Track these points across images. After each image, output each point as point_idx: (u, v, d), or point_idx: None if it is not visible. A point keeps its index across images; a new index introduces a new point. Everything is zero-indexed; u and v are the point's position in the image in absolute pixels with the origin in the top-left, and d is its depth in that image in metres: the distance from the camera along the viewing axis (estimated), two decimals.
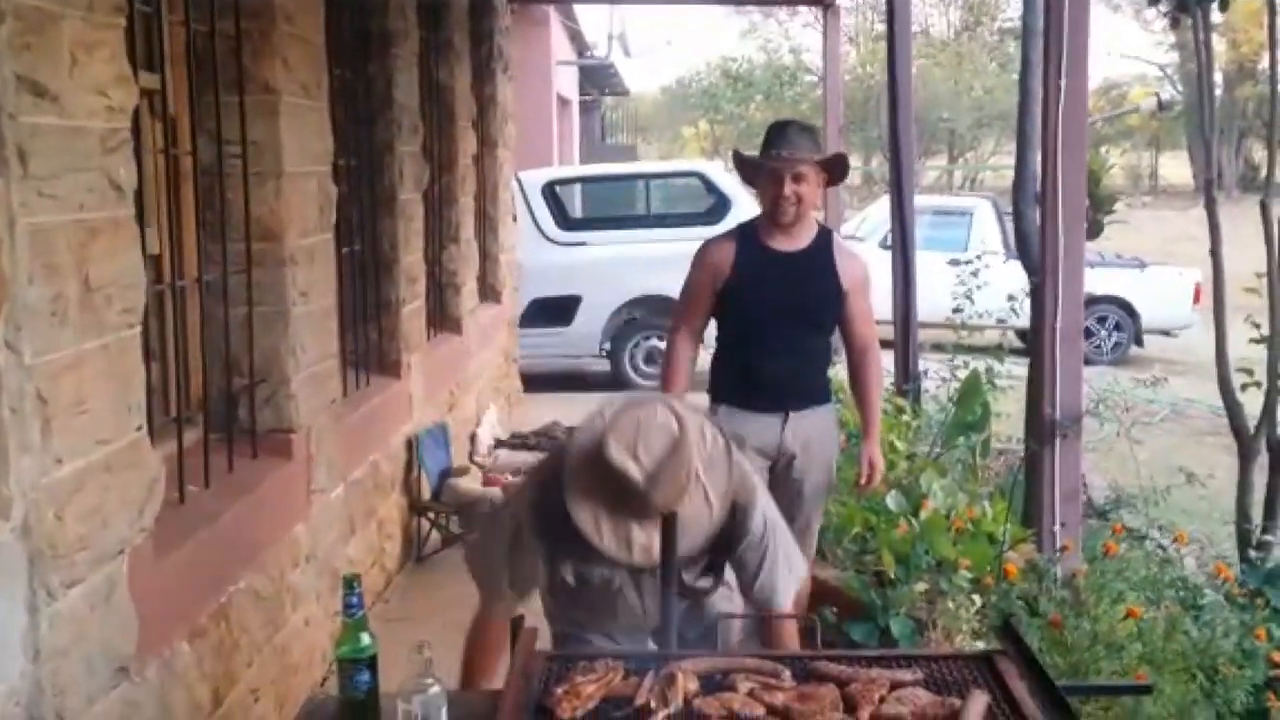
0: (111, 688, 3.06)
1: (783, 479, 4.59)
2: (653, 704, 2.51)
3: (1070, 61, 4.78)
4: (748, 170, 4.71)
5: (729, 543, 3.07)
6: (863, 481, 4.81)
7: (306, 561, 4.82)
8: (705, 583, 3.16)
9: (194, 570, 3.75)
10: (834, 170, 4.63)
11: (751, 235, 4.64)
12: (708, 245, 4.73)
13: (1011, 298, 6.85)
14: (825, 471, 4.75)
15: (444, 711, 2.42)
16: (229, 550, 4.07)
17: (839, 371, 5.56)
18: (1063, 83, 4.78)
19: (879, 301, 8.32)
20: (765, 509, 3.17)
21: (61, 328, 2.82)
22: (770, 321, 4.58)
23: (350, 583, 2.64)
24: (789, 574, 3.19)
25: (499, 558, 3.11)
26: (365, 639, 2.61)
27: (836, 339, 4.92)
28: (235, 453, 4.43)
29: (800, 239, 4.58)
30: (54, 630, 2.74)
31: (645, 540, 2.84)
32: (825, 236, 4.70)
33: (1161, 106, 17.13)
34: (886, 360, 8.17)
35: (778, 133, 4.55)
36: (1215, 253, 6.28)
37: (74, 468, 2.87)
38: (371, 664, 2.62)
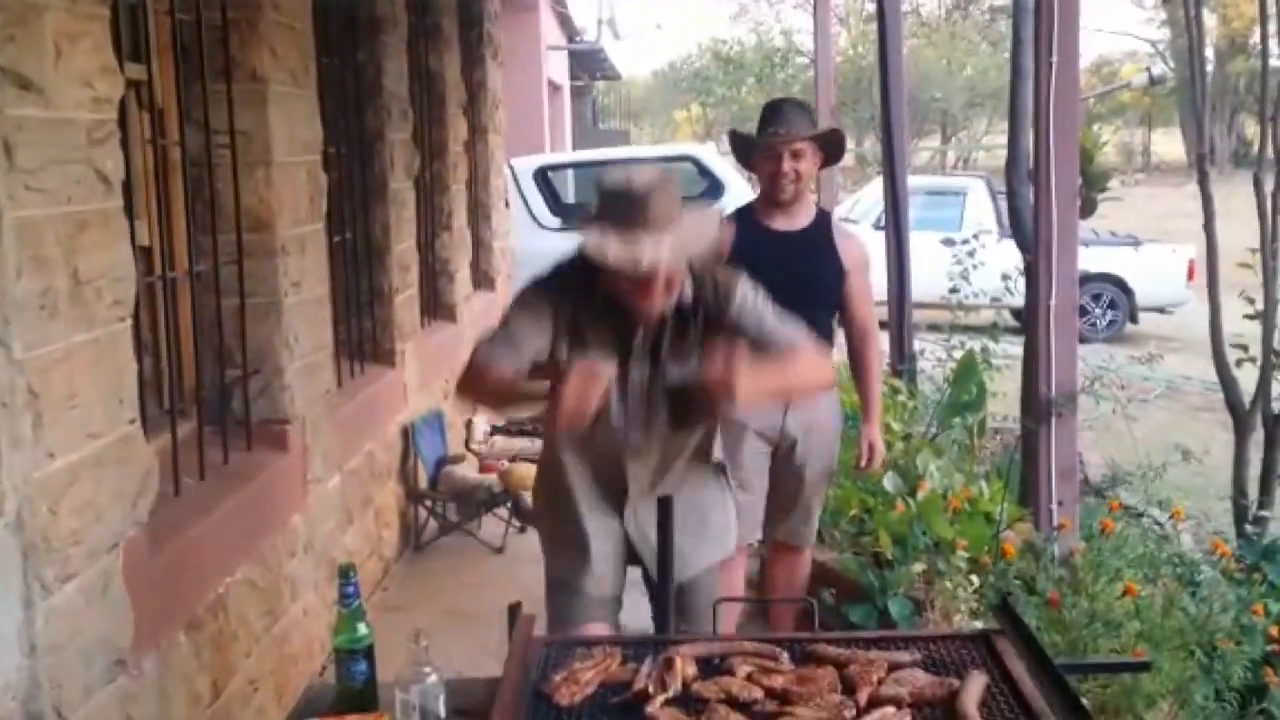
0: (109, 681, 3.06)
1: (784, 464, 4.57)
2: (651, 689, 2.51)
3: (1061, 38, 4.77)
4: (744, 150, 4.68)
5: (718, 315, 3.26)
6: (863, 464, 4.78)
7: (304, 552, 4.81)
8: (686, 369, 3.27)
9: (190, 562, 3.75)
10: (830, 147, 4.58)
11: (749, 216, 4.60)
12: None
13: (1006, 277, 6.84)
14: (827, 457, 4.71)
15: (441, 700, 2.42)
16: (225, 542, 4.06)
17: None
18: (1054, 60, 4.77)
19: (876, 282, 8.36)
20: (748, 288, 3.35)
21: (51, 321, 2.80)
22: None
23: (346, 573, 2.63)
24: (792, 327, 3.39)
25: (513, 320, 3.25)
26: (362, 629, 2.61)
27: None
28: (230, 444, 4.42)
29: (799, 218, 4.55)
30: (49, 625, 2.74)
31: (649, 253, 3.02)
32: (824, 217, 4.68)
33: (1153, 81, 17.07)
34: (881, 340, 8.23)
35: (773, 111, 4.53)
36: (1209, 228, 6.28)
37: (67, 461, 2.86)
38: (368, 654, 2.62)
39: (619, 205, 3.07)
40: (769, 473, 4.60)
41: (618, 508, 3.44)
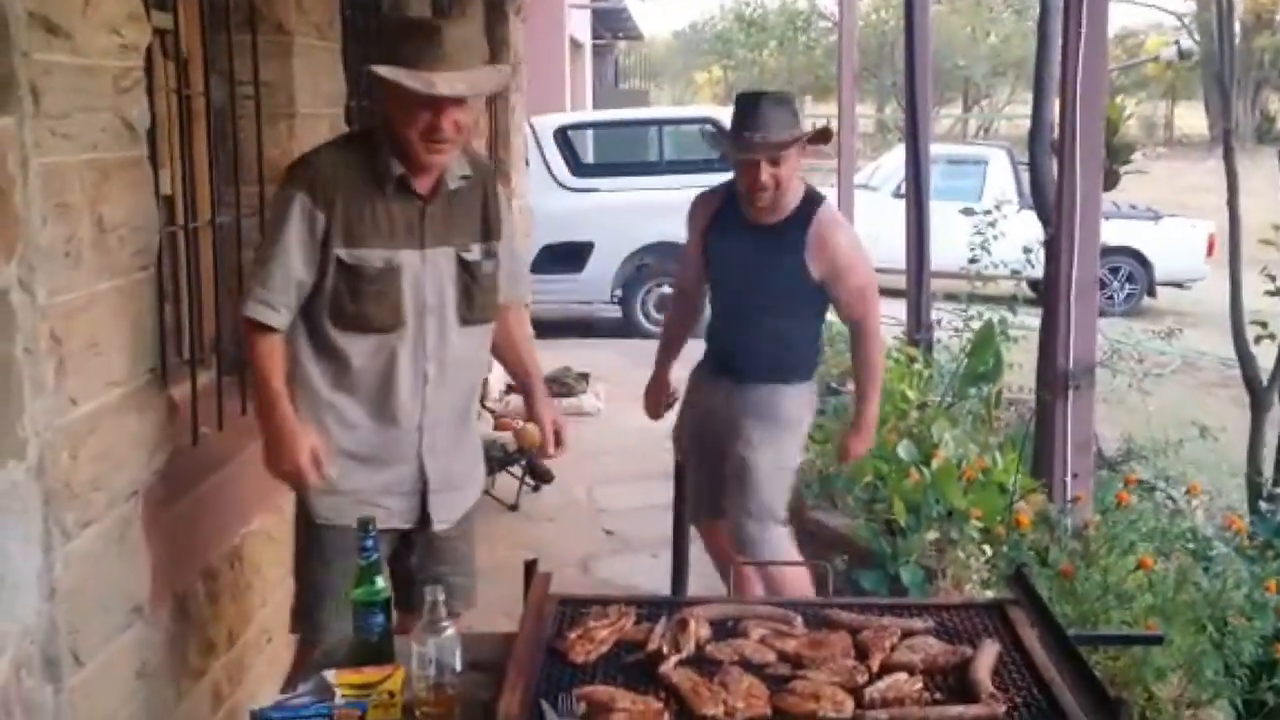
0: (125, 627, 3.08)
1: (730, 453, 4.27)
2: (665, 649, 2.53)
3: (1091, 7, 4.72)
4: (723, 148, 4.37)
5: (485, 199, 3.38)
6: (837, 460, 4.66)
7: None
8: (479, 256, 3.35)
9: (207, 512, 3.76)
10: (817, 140, 4.25)
11: (732, 202, 4.30)
12: (696, 201, 4.47)
13: (1028, 250, 6.81)
14: (773, 453, 4.25)
15: (457, 654, 2.43)
16: (241, 492, 4.07)
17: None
18: (1082, 29, 4.73)
19: (893, 251, 8.33)
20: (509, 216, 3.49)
21: (75, 269, 2.81)
22: (731, 295, 4.36)
23: (365, 526, 2.65)
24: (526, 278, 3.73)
25: (280, 247, 3.17)
26: (379, 582, 2.63)
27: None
28: (248, 395, 4.42)
29: (779, 211, 4.19)
30: (68, 569, 2.75)
31: (444, 81, 3.03)
32: (807, 208, 4.22)
33: (1181, 55, 16.91)
34: (899, 309, 8.21)
35: (749, 111, 4.08)
36: (1233, 203, 6.24)
37: (87, 409, 2.87)
38: (385, 607, 2.63)
39: (413, 40, 3.08)
40: (705, 451, 4.42)
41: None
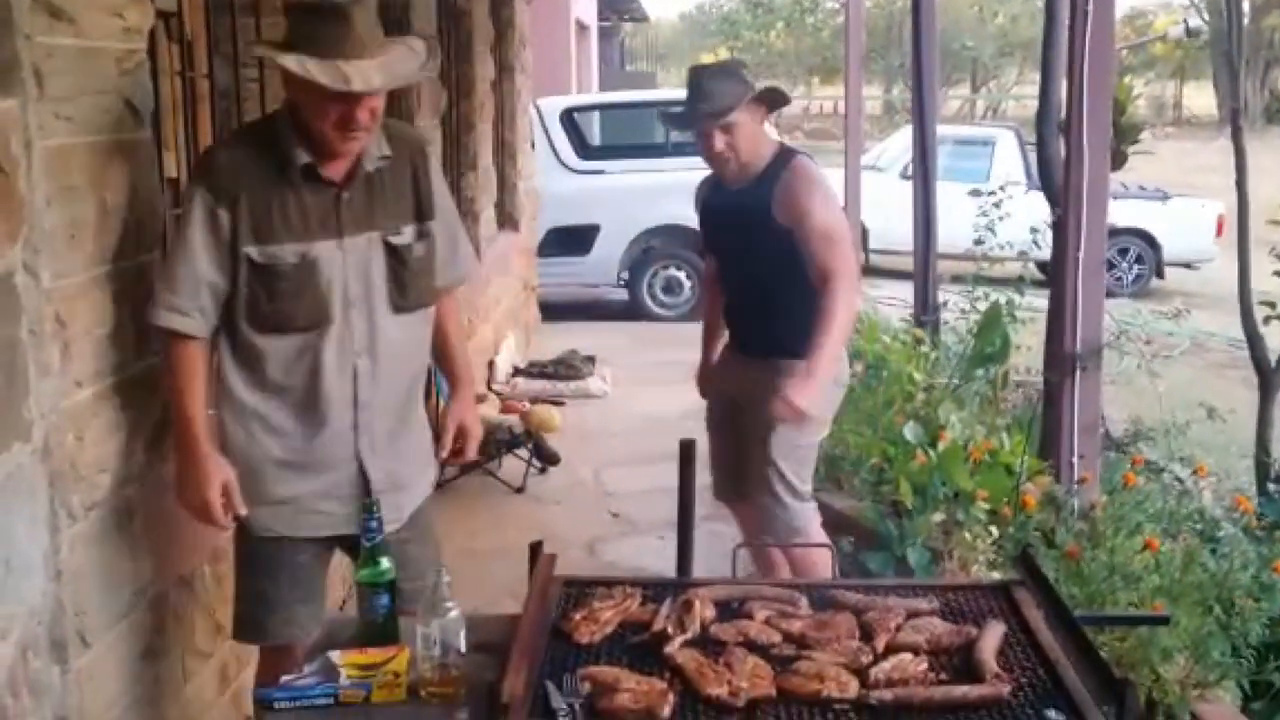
0: (132, 609, 3.09)
1: (749, 431, 4.22)
2: (670, 630, 2.53)
3: None
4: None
5: (414, 175, 3.14)
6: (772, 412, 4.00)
7: None
8: (410, 239, 3.12)
9: None
10: (769, 102, 4.22)
11: (718, 179, 4.34)
12: (698, 186, 4.56)
13: (1034, 230, 6.79)
14: (791, 429, 4.07)
15: (462, 635, 2.44)
16: None
17: None
18: (1090, 8, 4.71)
19: (899, 233, 8.31)
20: (435, 160, 3.28)
21: (79, 251, 2.80)
22: (727, 265, 4.40)
23: (369, 508, 2.65)
24: (467, 259, 3.40)
25: (185, 249, 2.91)
26: (384, 563, 2.63)
27: None
28: None
29: (748, 174, 4.17)
30: (74, 551, 2.76)
31: (359, 73, 2.81)
32: (777, 165, 4.16)
33: (1189, 33, 16.80)
34: (905, 291, 8.19)
35: (693, 84, 4.14)
36: (1240, 183, 6.22)
37: (93, 391, 2.87)
38: (390, 588, 2.64)
39: (321, 25, 2.81)
40: (727, 426, 4.39)
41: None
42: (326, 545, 3.23)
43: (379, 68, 2.85)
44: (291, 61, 2.78)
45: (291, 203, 2.94)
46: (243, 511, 3.02)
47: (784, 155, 4.20)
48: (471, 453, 3.49)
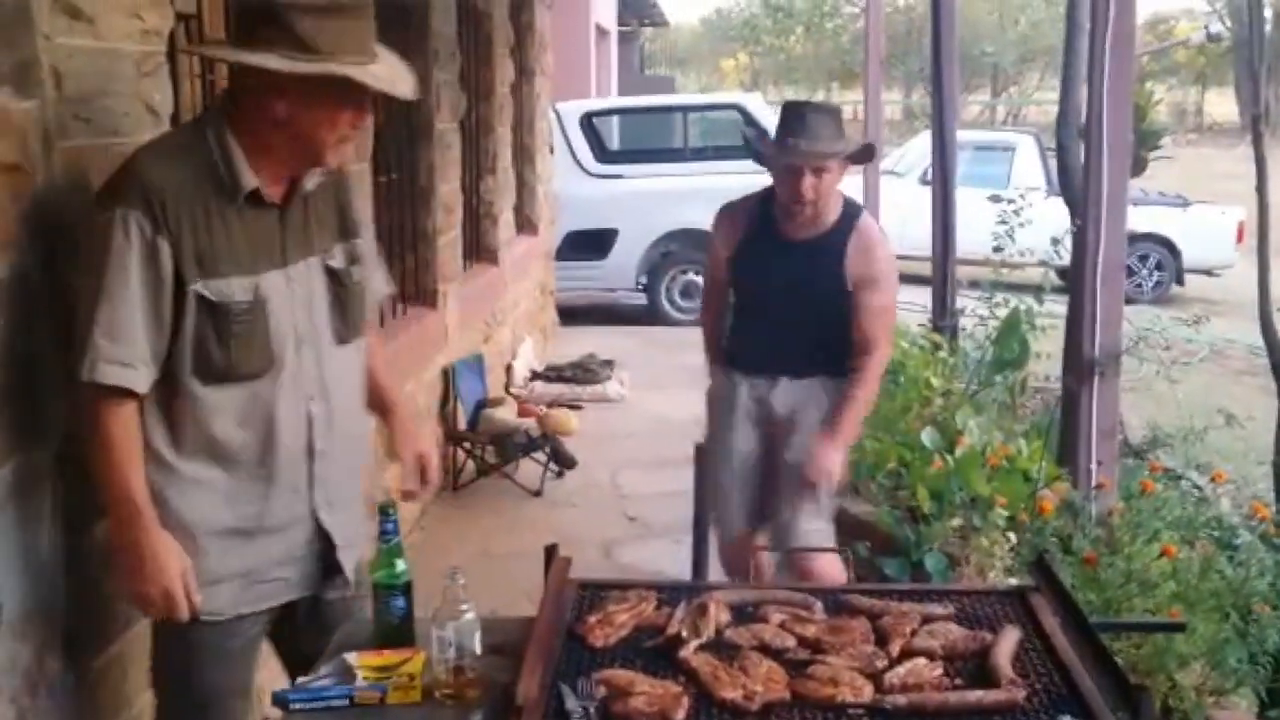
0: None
1: (776, 449, 4.17)
2: (684, 634, 2.53)
3: None
4: (761, 153, 4.11)
5: (343, 203, 2.82)
6: (805, 479, 4.03)
7: None
8: (344, 261, 2.79)
9: None
10: (860, 158, 4.10)
11: (764, 217, 4.17)
12: (721, 216, 4.30)
13: (1056, 241, 6.77)
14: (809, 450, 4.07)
15: (477, 637, 2.44)
16: None
17: None
18: (1111, 15, 4.70)
19: (919, 238, 8.28)
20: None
21: None
22: (768, 309, 4.19)
23: (385, 510, 2.65)
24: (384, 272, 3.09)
25: (123, 287, 2.43)
26: (400, 565, 2.63)
27: None
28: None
29: (818, 225, 4.08)
30: (91, 551, 2.76)
31: (394, 76, 2.60)
32: (848, 220, 4.11)
33: (1210, 39, 16.76)
34: (924, 296, 8.17)
35: (795, 118, 3.97)
36: (1261, 190, 6.20)
37: None
38: (406, 590, 2.64)
39: (340, 19, 2.50)
40: (764, 458, 4.23)
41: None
42: (268, 616, 2.82)
43: (401, 69, 2.67)
44: (334, 66, 2.46)
45: (236, 229, 2.56)
46: (198, 598, 2.59)
47: (852, 210, 4.16)
48: (434, 478, 3.15)
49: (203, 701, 2.75)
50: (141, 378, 2.46)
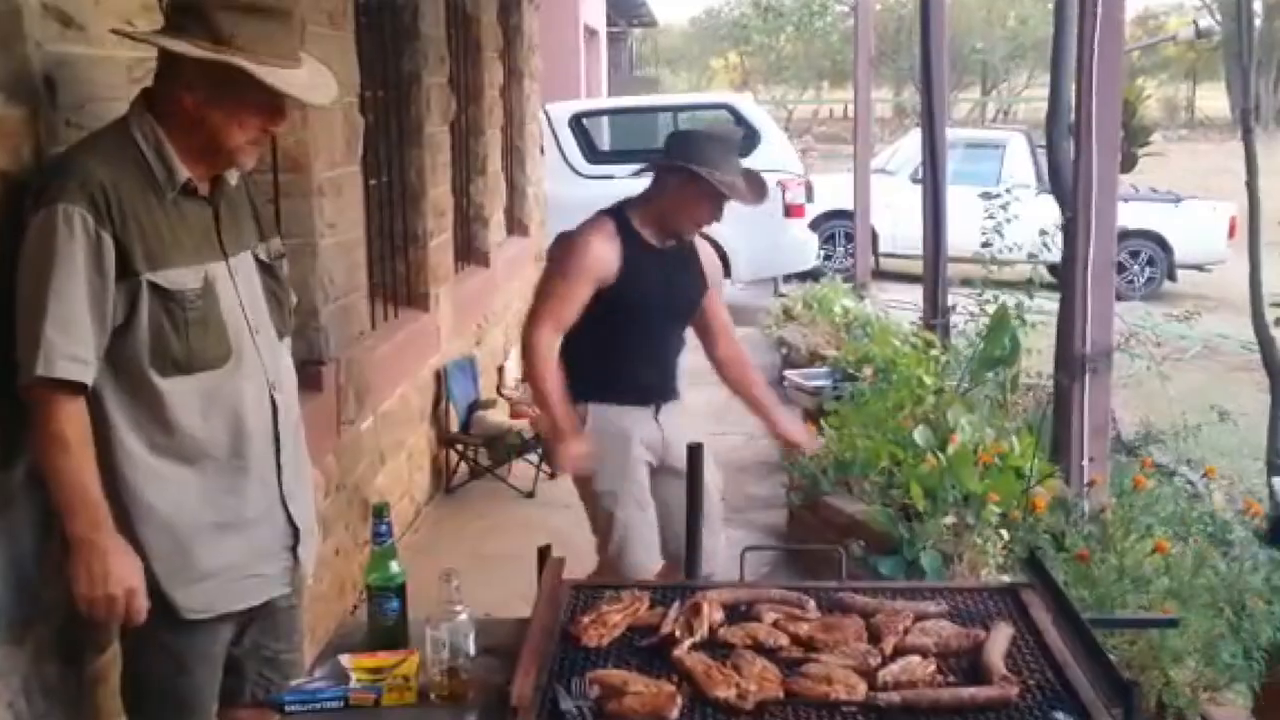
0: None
1: (671, 471, 4.05)
2: (678, 633, 2.53)
3: None
4: (681, 178, 4.00)
5: (262, 214, 2.87)
6: (799, 453, 4.52)
7: (337, 491, 4.84)
8: (270, 256, 2.82)
9: None
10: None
11: (631, 231, 4.08)
12: (590, 240, 4.05)
13: (1044, 233, 6.79)
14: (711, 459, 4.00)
15: (472, 638, 2.45)
16: None
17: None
18: (1099, 11, 4.71)
19: (909, 236, 8.30)
20: None
21: None
22: (648, 320, 4.11)
23: (380, 511, 2.66)
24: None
25: (74, 284, 2.41)
26: (394, 567, 2.64)
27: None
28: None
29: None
30: None
31: (314, 84, 2.60)
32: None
33: (1200, 34, 16.74)
34: (915, 294, 8.20)
35: (720, 154, 4.00)
36: (1251, 185, 6.22)
37: None
38: (400, 592, 2.65)
39: (262, 22, 2.51)
40: (650, 483, 4.13)
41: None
42: (238, 619, 2.80)
43: (323, 76, 2.66)
44: (246, 62, 2.46)
45: (176, 220, 2.56)
46: (144, 603, 2.53)
47: None
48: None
49: (187, 713, 2.74)
50: (91, 373, 2.44)
